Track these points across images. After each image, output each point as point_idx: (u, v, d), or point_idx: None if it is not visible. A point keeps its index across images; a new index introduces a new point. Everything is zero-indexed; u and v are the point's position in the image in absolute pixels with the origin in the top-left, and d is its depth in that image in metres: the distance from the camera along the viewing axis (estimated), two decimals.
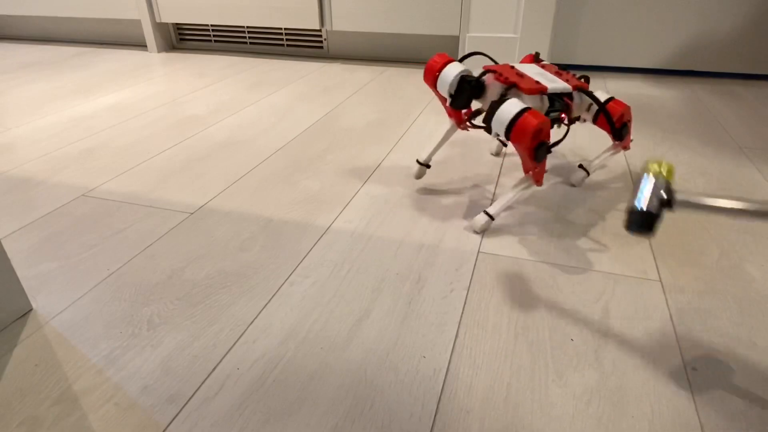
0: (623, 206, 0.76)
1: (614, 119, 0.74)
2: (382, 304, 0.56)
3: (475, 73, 0.70)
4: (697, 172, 0.87)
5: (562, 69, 0.78)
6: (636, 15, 1.43)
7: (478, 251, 0.65)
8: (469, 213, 0.74)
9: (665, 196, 0.42)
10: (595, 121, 0.76)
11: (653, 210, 0.41)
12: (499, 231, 0.70)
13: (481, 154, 0.95)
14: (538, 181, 0.68)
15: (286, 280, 0.60)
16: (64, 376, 0.47)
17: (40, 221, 0.74)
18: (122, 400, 0.45)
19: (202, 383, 0.46)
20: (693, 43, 1.43)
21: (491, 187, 0.82)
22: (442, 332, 0.52)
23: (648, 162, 0.44)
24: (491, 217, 0.68)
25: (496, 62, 0.74)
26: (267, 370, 0.48)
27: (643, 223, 0.42)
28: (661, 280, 0.60)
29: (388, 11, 1.53)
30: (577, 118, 0.77)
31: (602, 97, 0.76)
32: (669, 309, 0.55)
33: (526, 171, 0.68)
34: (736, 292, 0.58)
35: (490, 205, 0.71)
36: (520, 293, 0.58)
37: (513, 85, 0.66)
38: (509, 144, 0.92)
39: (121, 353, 0.50)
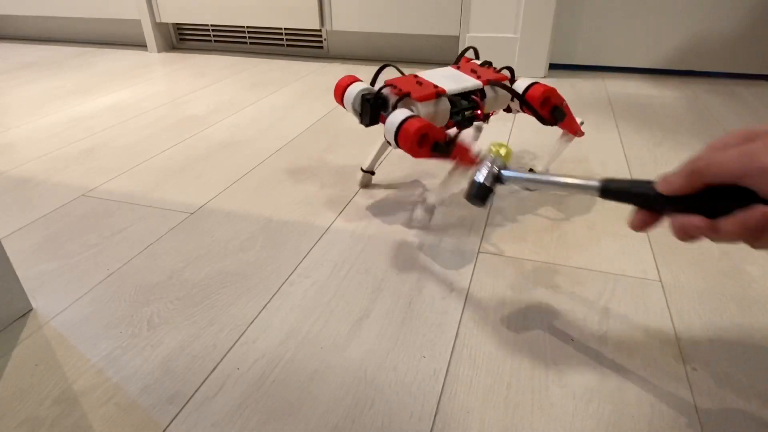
0: (623, 207, 0.76)
1: (536, 105, 0.72)
2: (382, 304, 0.56)
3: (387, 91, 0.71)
4: None
5: (488, 65, 0.79)
6: (636, 15, 1.43)
7: (478, 251, 0.65)
8: (469, 213, 0.74)
9: (497, 173, 0.49)
10: (522, 110, 0.76)
11: (487, 183, 0.48)
12: (499, 231, 0.70)
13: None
14: (470, 163, 0.66)
15: (286, 280, 0.60)
16: (64, 376, 0.47)
17: (40, 221, 0.74)
18: (122, 400, 0.45)
19: (202, 383, 0.46)
20: (693, 43, 1.43)
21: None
22: (442, 332, 0.52)
23: (491, 144, 0.52)
24: (431, 210, 0.71)
25: (403, 73, 0.75)
26: (267, 370, 0.48)
27: (477, 194, 0.49)
28: (661, 280, 0.60)
29: (388, 11, 1.53)
30: (509, 110, 0.78)
31: (523, 84, 0.74)
32: (669, 309, 0.55)
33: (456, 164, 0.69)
34: (736, 292, 0.58)
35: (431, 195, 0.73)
36: (520, 293, 0.58)
37: (406, 94, 0.67)
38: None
39: (121, 353, 0.50)
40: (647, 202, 0.35)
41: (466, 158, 0.67)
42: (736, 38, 1.39)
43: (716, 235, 0.32)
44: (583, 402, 0.44)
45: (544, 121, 0.75)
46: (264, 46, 1.83)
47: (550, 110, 0.73)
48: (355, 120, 1.13)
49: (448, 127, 0.71)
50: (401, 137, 0.62)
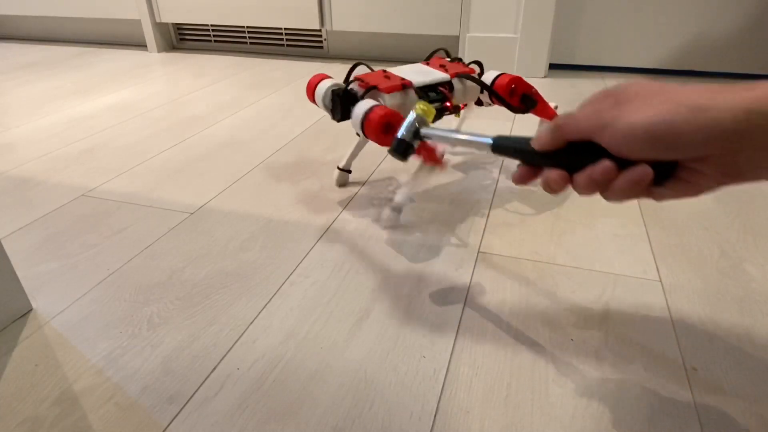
0: (624, 207, 0.76)
1: (504, 94, 0.75)
2: (382, 304, 0.56)
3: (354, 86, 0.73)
4: None
5: (457, 61, 0.81)
6: (636, 15, 1.43)
7: (478, 251, 0.65)
8: (470, 213, 0.74)
9: (417, 130, 0.53)
10: (492, 101, 0.78)
11: (407, 139, 0.53)
12: (499, 231, 0.70)
13: (479, 156, 0.95)
14: (435, 162, 0.67)
15: (286, 280, 0.60)
16: (64, 376, 0.47)
17: (40, 221, 0.74)
18: (122, 400, 0.45)
19: (202, 383, 0.46)
20: (693, 43, 1.43)
21: (491, 188, 0.82)
22: (442, 332, 0.52)
23: (417, 103, 0.56)
24: (398, 210, 0.71)
25: (372, 70, 0.78)
26: (267, 370, 0.48)
27: (398, 148, 0.54)
28: (661, 280, 0.60)
29: (388, 11, 1.53)
30: (480, 103, 0.80)
31: (491, 76, 0.76)
32: (669, 309, 0.55)
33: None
34: (736, 292, 0.58)
35: (395, 195, 0.74)
36: (520, 293, 0.58)
37: (373, 87, 0.69)
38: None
39: (121, 353, 0.50)
40: (525, 157, 0.38)
41: (431, 155, 0.68)
42: (736, 38, 1.39)
43: (574, 188, 0.35)
44: (583, 402, 0.44)
45: (515, 109, 0.77)
46: (264, 46, 1.83)
47: (519, 98, 0.75)
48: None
49: None
50: (366, 126, 0.64)
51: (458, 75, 0.75)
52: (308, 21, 1.62)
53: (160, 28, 1.86)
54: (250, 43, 1.84)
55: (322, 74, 0.74)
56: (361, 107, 0.65)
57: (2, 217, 0.75)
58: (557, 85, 1.40)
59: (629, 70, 1.53)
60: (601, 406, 0.44)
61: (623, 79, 1.44)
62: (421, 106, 0.57)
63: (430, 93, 0.72)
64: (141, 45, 1.97)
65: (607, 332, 0.52)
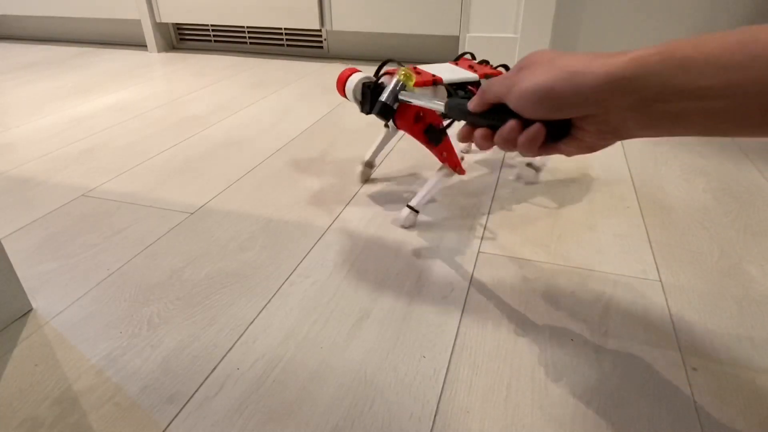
0: (624, 207, 0.76)
1: None
2: (382, 304, 0.56)
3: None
4: (697, 172, 0.87)
5: (485, 63, 0.82)
6: (636, 15, 1.43)
7: (478, 251, 0.65)
8: (470, 213, 0.74)
9: (397, 93, 0.60)
10: None
11: (389, 102, 0.60)
12: (499, 231, 0.70)
13: (480, 155, 0.95)
14: (456, 168, 0.71)
15: (286, 280, 0.60)
16: (64, 376, 0.47)
17: (40, 221, 0.74)
18: (122, 400, 0.45)
19: (202, 383, 0.46)
20: None
21: (491, 188, 0.82)
22: (442, 332, 0.52)
23: (401, 69, 0.63)
24: (415, 210, 0.71)
25: (401, 65, 0.79)
26: (267, 370, 0.48)
27: (381, 110, 0.61)
28: (661, 280, 0.60)
29: (388, 11, 1.53)
30: None
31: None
32: (669, 309, 0.55)
33: (441, 160, 0.72)
34: (736, 292, 0.58)
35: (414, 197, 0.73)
36: (520, 293, 0.58)
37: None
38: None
39: (121, 353, 0.50)
40: (465, 117, 0.44)
41: (453, 158, 0.71)
42: None
43: (495, 143, 0.41)
44: (583, 402, 0.44)
45: None
46: (264, 46, 1.83)
47: None
48: (356, 120, 1.13)
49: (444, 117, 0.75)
50: (399, 113, 0.66)
51: (486, 76, 0.76)
52: (308, 21, 1.62)
53: (160, 28, 1.86)
54: (250, 43, 1.84)
55: (353, 68, 0.76)
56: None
57: (2, 217, 0.75)
58: None
59: None
60: (601, 406, 0.44)
61: None
62: (403, 72, 0.61)
63: (459, 91, 0.73)
64: (141, 45, 1.97)
65: (607, 332, 0.52)
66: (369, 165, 0.84)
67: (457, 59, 0.85)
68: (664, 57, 0.30)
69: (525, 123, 0.38)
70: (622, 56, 0.32)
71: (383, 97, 0.60)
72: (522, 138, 0.38)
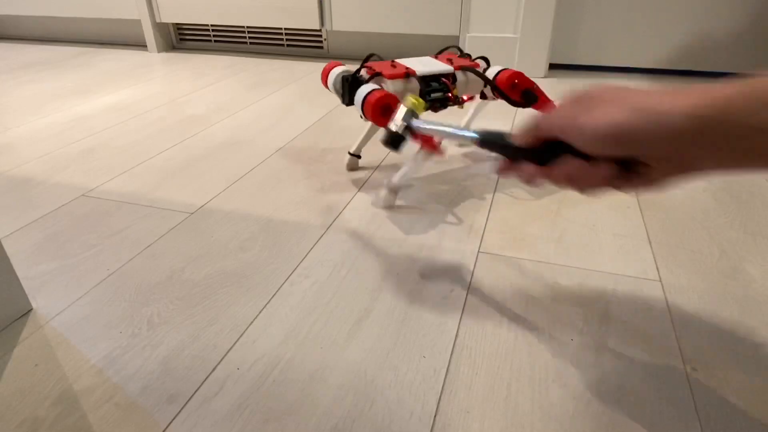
0: (624, 207, 0.76)
1: (505, 88, 0.78)
2: (382, 304, 0.56)
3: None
4: None
5: (466, 56, 0.84)
6: (636, 15, 1.43)
7: (478, 251, 0.65)
8: (470, 213, 0.74)
9: (409, 123, 0.57)
10: (495, 95, 0.81)
11: (399, 131, 0.57)
12: (499, 231, 0.70)
13: (481, 151, 0.95)
14: (431, 148, 0.71)
15: (286, 280, 0.60)
16: (64, 376, 0.47)
17: (40, 221, 0.74)
18: (122, 400, 0.45)
19: (202, 383, 0.46)
20: (693, 43, 1.43)
21: (491, 188, 0.82)
22: (442, 332, 0.52)
23: (409, 96, 0.60)
24: (394, 191, 0.73)
25: (382, 59, 0.82)
26: (267, 370, 0.48)
27: (391, 141, 0.58)
28: (661, 280, 0.60)
29: (388, 11, 1.53)
30: (484, 97, 0.83)
31: (494, 71, 0.79)
32: (669, 309, 0.55)
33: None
34: (736, 292, 0.58)
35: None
36: (520, 293, 0.58)
37: (377, 73, 0.74)
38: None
39: (121, 353, 0.50)
40: (507, 151, 0.42)
41: (428, 141, 0.71)
42: (736, 38, 1.39)
43: (551, 182, 0.39)
44: (583, 402, 0.44)
45: (516, 103, 0.79)
46: (264, 46, 1.83)
47: (520, 93, 0.78)
48: (356, 120, 1.13)
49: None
50: (365, 107, 0.68)
51: (462, 68, 0.78)
52: (308, 21, 1.62)
53: (160, 28, 1.86)
54: (250, 43, 1.84)
55: (336, 62, 0.79)
56: (363, 90, 0.69)
57: (2, 217, 0.75)
58: (557, 85, 1.40)
59: (629, 70, 1.53)
60: (601, 406, 0.44)
61: (623, 79, 1.44)
62: (412, 100, 0.60)
63: (433, 83, 0.75)
64: (141, 45, 1.97)
65: (607, 332, 0.52)
66: (355, 155, 0.87)
67: (439, 53, 0.87)
68: (746, 95, 0.30)
69: (586, 159, 0.36)
70: (704, 95, 0.31)
71: (393, 125, 0.58)
72: (591, 177, 0.37)
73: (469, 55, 0.84)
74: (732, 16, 1.37)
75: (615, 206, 0.76)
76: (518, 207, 0.76)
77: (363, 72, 0.75)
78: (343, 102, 0.76)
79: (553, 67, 1.57)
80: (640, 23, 1.43)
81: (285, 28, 1.76)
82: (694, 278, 0.60)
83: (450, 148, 0.98)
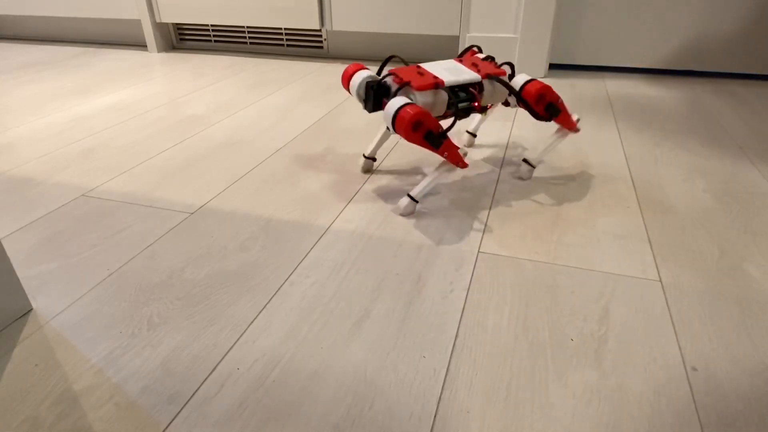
0: (625, 206, 0.76)
1: (531, 101, 0.76)
2: (382, 304, 0.56)
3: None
4: (697, 172, 0.87)
5: (490, 60, 0.82)
6: (636, 15, 1.43)
7: (478, 251, 0.65)
8: (470, 213, 0.74)
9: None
10: (519, 104, 0.80)
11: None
12: (499, 231, 0.70)
13: (481, 151, 0.95)
14: (458, 163, 0.71)
15: (286, 280, 0.60)
16: (64, 376, 0.47)
17: (40, 221, 0.74)
18: (122, 400, 0.45)
19: (202, 383, 0.46)
20: (693, 43, 1.43)
21: (491, 188, 0.82)
22: (442, 332, 0.52)
23: None
24: (414, 200, 0.73)
25: (406, 63, 0.81)
26: (267, 370, 0.48)
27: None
28: (661, 280, 0.60)
29: (388, 11, 1.53)
30: (507, 104, 0.83)
31: (521, 80, 0.77)
32: (669, 309, 0.55)
33: (443, 158, 0.72)
34: (736, 292, 0.58)
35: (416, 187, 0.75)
36: (520, 293, 0.58)
37: (406, 83, 0.71)
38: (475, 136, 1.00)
39: (121, 353, 0.50)
40: None
41: (454, 155, 0.71)
42: (736, 38, 1.39)
43: None
44: (583, 402, 0.44)
45: (539, 116, 0.78)
46: (264, 46, 1.83)
47: (544, 107, 0.77)
48: (355, 120, 1.13)
49: (445, 116, 0.75)
50: (398, 122, 0.66)
51: (489, 76, 0.75)
52: (308, 21, 1.62)
53: (160, 28, 1.86)
54: (250, 43, 1.84)
55: (358, 64, 0.78)
56: (394, 104, 0.67)
57: (2, 217, 0.75)
58: (557, 85, 1.40)
59: (629, 70, 1.53)
60: (601, 406, 0.44)
61: (623, 79, 1.44)
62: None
63: (461, 93, 0.74)
64: (141, 45, 1.97)
65: (607, 332, 0.52)
66: (370, 158, 0.87)
67: (461, 54, 0.85)
68: None
69: None
70: None
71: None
72: None
73: (492, 58, 0.82)
74: (732, 16, 1.37)
75: (615, 206, 0.76)
76: (518, 207, 0.76)
77: (389, 79, 0.73)
78: (366, 108, 0.75)
79: (553, 67, 1.57)
80: (640, 23, 1.43)
81: (285, 28, 1.76)
82: (694, 278, 0.60)
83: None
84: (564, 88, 1.37)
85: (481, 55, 0.85)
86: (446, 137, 0.68)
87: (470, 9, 1.46)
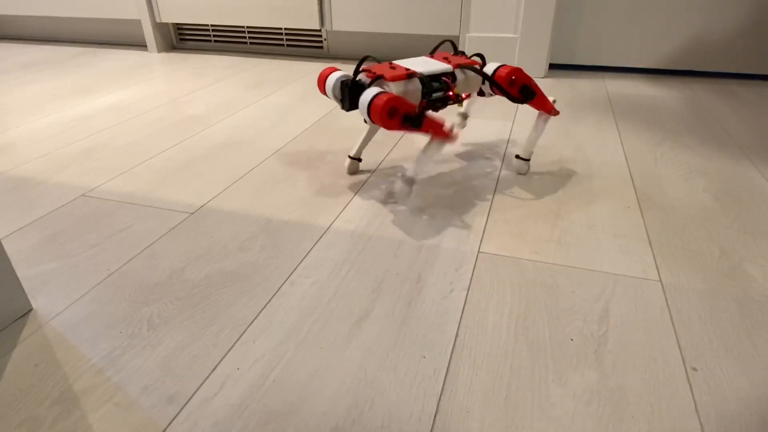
0: (625, 206, 0.76)
1: (504, 84, 0.78)
2: (382, 304, 0.56)
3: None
4: (697, 172, 0.87)
5: (461, 54, 0.84)
6: (636, 15, 1.43)
7: (478, 251, 0.65)
8: (470, 213, 0.74)
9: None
10: (493, 91, 0.82)
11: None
12: (499, 231, 0.70)
13: (481, 151, 0.95)
14: (444, 137, 0.72)
15: (286, 280, 0.60)
16: (64, 376, 0.47)
17: (40, 221, 0.74)
18: (122, 400, 0.45)
19: (202, 383, 0.46)
20: (693, 43, 1.43)
21: (491, 187, 0.82)
22: (442, 332, 0.52)
23: None
24: (409, 183, 0.73)
25: (379, 62, 0.82)
26: (267, 370, 0.48)
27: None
28: (661, 280, 0.60)
29: (388, 11, 1.53)
30: (482, 94, 0.84)
31: (492, 67, 0.80)
32: (669, 309, 0.55)
33: (430, 137, 0.73)
34: (736, 292, 0.58)
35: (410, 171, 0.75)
36: (520, 293, 0.58)
37: (379, 77, 0.73)
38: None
39: (121, 353, 0.50)
40: None
41: (439, 131, 0.71)
42: (736, 38, 1.39)
43: None
44: (583, 402, 0.44)
45: (515, 99, 0.80)
46: (264, 46, 1.83)
47: (518, 89, 0.79)
48: (356, 120, 1.13)
49: (421, 106, 0.75)
50: (372, 111, 0.67)
51: (460, 66, 0.78)
52: (308, 21, 1.62)
53: (160, 28, 1.86)
54: (250, 43, 1.84)
55: (333, 67, 0.78)
56: (367, 94, 0.68)
57: (2, 217, 0.75)
58: (557, 85, 1.40)
59: (629, 70, 1.53)
60: (601, 406, 0.44)
61: (623, 79, 1.44)
62: None
63: (434, 83, 0.74)
64: (141, 45, 1.97)
65: (607, 332, 0.52)
66: (356, 158, 0.87)
67: (433, 51, 0.87)
68: None
69: None
70: None
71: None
72: None
73: (463, 53, 0.85)
74: (732, 16, 1.37)
75: (615, 206, 0.76)
76: (518, 207, 0.76)
77: (362, 76, 0.75)
78: (343, 108, 0.75)
79: (553, 67, 1.57)
80: (640, 23, 1.43)
81: (285, 28, 1.76)
82: (694, 278, 0.60)
83: (450, 148, 0.98)
84: (564, 88, 1.37)
85: (453, 51, 0.87)
86: (425, 116, 0.69)
87: (470, 9, 1.46)
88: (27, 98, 1.33)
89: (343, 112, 1.19)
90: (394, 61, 0.79)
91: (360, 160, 0.87)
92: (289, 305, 0.56)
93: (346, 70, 1.58)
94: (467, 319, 0.54)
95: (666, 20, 1.41)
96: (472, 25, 1.47)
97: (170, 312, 0.55)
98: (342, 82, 0.74)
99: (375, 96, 0.67)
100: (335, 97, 0.76)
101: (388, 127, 0.68)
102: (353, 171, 0.88)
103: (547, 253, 0.65)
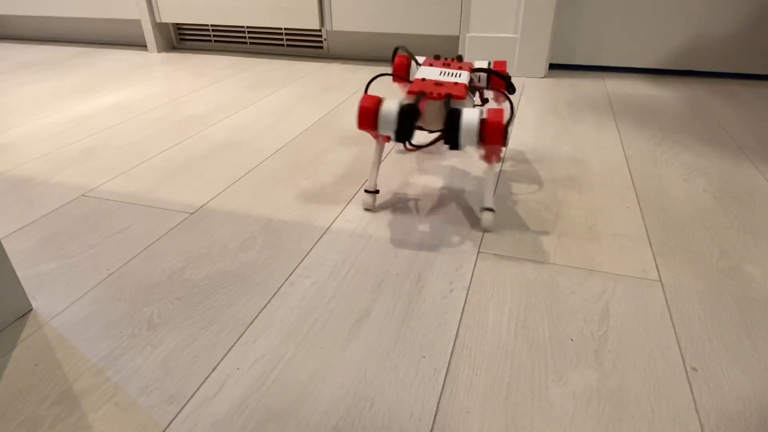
0: (625, 206, 0.76)
1: (503, 73, 0.81)
2: (382, 304, 0.56)
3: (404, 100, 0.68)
4: (697, 172, 0.87)
5: (455, 60, 0.85)
6: (636, 15, 1.43)
7: (478, 251, 0.65)
8: (469, 212, 0.74)
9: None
10: (489, 86, 0.85)
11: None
12: (499, 231, 0.70)
13: (480, 154, 0.95)
14: (498, 160, 0.75)
15: (286, 280, 0.60)
16: (64, 376, 0.47)
17: (40, 221, 0.74)
18: (122, 400, 0.45)
19: (202, 383, 0.46)
20: (693, 43, 1.43)
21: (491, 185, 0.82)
22: (442, 332, 0.52)
23: None
24: (493, 210, 0.71)
25: (414, 57, 0.83)
26: (267, 370, 0.48)
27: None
28: (661, 280, 0.60)
29: (388, 11, 1.53)
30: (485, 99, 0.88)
31: (483, 65, 0.84)
32: (669, 309, 0.55)
33: (489, 161, 0.71)
34: (736, 292, 0.58)
35: (484, 200, 0.74)
36: (520, 293, 0.58)
37: (448, 95, 0.67)
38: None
39: (121, 353, 0.50)
40: None
41: (496, 154, 0.70)
42: (736, 38, 1.39)
43: None
44: (583, 402, 0.44)
45: (510, 89, 0.82)
46: (264, 46, 1.83)
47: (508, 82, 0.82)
48: (354, 120, 1.13)
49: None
50: (491, 131, 0.62)
51: (472, 70, 0.80)
52: (308, 21, 1.62)
53: (160, 28, 1.86)
54: (250, 43, 1.84)
55: (373, 96, 0.66)
56: (472, 117, 0.63)
57: (2, 217, 0.75)
58: (557, 85, 1.40)
59: (629, 70, 1.53)
60: (601, 406, 0.44)
61: (623, 79, 1.44)
62: None
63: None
64: (141, 45, 1.97)
65: (607, 332, 0.52)
66: (374, 191, 0.75)
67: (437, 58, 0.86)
68: None
69: None
70: None
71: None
72: None
73: (438, 56, 0.86)
74: (732, 16, 1.37)
75: (615, 206, 0.76)
76: (518, 207, 0.76)
77: (410, 99, 0.66)
78: (400, 139, 0.64)
79: (553, 67, 1.57)
80: (640, 23, 1.43)
81: (285, 28, 1.76)
82: (694, 278, 0.60)
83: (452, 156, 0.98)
84: (564, 87, 1.37)
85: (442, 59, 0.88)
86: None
87: (470, 9, 1.46)
88: (27, 98, 1.33)
89: (343, 111, 1.19)
90: (415, 75, 0.75)
91: (377, 191, 0.75)
92: (289, 305, 0.56)
93: (346, 69, 1.58)
94: (467, 319, 0.54)
95: (666, 20, 1.41)
96: (472, 25, 1.47)
97: (170, 312, 0.55)
98: (402, 109, 0.63)
99: (485, 119, 0.62)
100: (388, 129, 0.65)
101: (501, 145, 0.63)
102: (371, 205, 0.75)
103: (547, 253, 0.65)
